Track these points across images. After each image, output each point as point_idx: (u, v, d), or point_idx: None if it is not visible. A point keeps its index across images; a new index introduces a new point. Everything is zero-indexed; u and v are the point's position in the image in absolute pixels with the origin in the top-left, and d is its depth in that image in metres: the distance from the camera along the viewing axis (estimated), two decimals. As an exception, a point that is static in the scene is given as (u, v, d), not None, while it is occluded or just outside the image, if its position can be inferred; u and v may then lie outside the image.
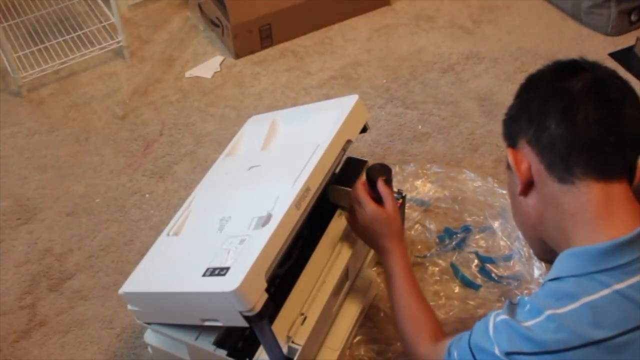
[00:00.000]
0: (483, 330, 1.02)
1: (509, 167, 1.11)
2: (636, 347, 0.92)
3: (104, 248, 2.17)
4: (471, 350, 1.04)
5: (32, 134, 2.59)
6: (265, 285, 1.42)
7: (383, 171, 1.86)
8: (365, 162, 1.91)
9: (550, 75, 1.08)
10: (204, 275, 1.45)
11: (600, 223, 1.00)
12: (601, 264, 0.95)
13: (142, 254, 1.71)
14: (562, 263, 1.01)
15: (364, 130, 1.82)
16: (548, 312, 0.95)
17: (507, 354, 0.96)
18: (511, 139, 1.10)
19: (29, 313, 2.01)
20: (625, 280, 0.94)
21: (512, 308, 1.03)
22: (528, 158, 1.06)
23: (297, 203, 1.53)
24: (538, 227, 1.09)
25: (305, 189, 1.57)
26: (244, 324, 1.43)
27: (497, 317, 1.02)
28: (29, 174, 2.43)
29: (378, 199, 1.89)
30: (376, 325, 1.91)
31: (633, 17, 2.86)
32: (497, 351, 0.98)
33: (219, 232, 1.59)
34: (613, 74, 1.06)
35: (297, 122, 1.88)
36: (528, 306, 0.99)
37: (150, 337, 1.79)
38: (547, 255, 1.12)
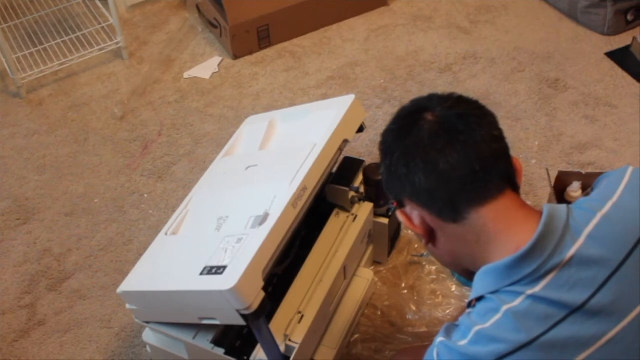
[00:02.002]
0: (430, 357, 1.07)
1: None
2: (562, 341, 0.97)
3: (103, 248, 2.18)
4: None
5: (32, 134, 2.60)
6: (262, 283, 1.43)
7: (380, 171, 1.88)
8: (363, 161, 1.92)
9: (397, 132, 1.12)
10: (201, 274, 1.46)
11: (502, 238, 1.04)
12: (511, 277, 1.01)
13: (140, 254, 1.72)
14: (479, 282, 1.06)
15: (361, 129, 1.84)
16: (476, 328, 1.01)
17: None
18: (397, 201, 1.14)
19: (28, 313, 2.02)
20: (537, 284, 0.99)
21: (450, 330, 1.08)
22: (419, 212, 1.10)
23: (294, 202, 1.55)
24: (456, 262, 1.14)
25: (302, 189, 1.58)
26: (241, 322, 1.44)
27: (437, 340, 1.07)
28: (28, 175, 2.44)
29: (375, 198, 1.91)
30: (374, 323, 1.92)
31: (629, 17, 2.87)
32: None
33: (216, 231, 1.60)
34: (452, 102, 1.10)
35: (295, 122, 1.89)
36: (461, 327, 1.04)
37: (149, 336, 1.80)
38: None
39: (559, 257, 0.99)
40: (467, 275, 1.16)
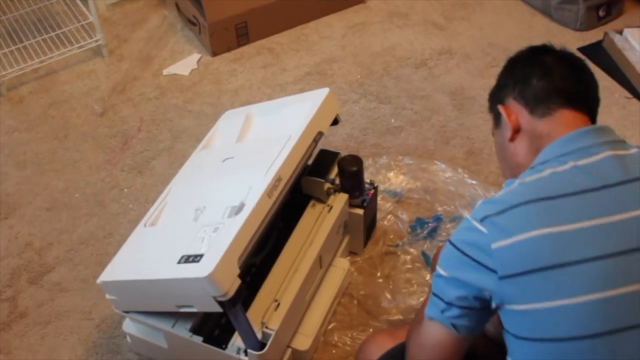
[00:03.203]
0: (461, 223, 1.20)
1: (496, 125, 1.36)
2: (577, 204, 1.11)
3: (84, 241, 2.21)
4: (454, 246, 1.17)
5: (12, 131, 2.62)
6: (238, 271, 1.47)
7: (355, 162, 1.92)
8: (338, 154, 1.96)
9: (527, 52, 1.35)
10: (179, 262, 1.50)
11: (571, 127, 1.22)
12: (565, 148, 1.18)
13: (120, 247, 1.75)
14: (538, 157, 1.22)
15: (336, 122, 1.88)
16: (518, 181, 1.17)
17: (482, 220, 1.13)
18: (500, 101, 1.33)
19: (10, 305, 2.05)
20: (582, 158, 1.15)
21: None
22: (515, 110, 1.29)
23: (269, 192, 1.58)
24: (525, 161, 1.28)
25: (277, 179, 1.62)
26: (218, 309, 1.48)
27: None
28: (8, 171, 2.46)
29: (350, 189, 1.95)
30: (350, 312, 1.96)
31: (601, 13, 2.93)
32: (474, 222, 1.14)
33: (194, 221, 1.64)
34: (573, 54, 1.33)
35: (271, 115, 1.93)
36: (504, 184, 1.20)
37: (129, 326, 1.83)
38: None
39: (612, 146, 1.17)
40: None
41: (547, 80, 1.26)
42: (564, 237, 1.08)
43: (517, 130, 1.29)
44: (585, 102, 1.26)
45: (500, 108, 1.32)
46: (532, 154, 1.25)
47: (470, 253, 1.13)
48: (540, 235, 1.08)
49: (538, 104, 1.26)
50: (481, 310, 1.16)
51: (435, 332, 1.20)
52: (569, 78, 1.26)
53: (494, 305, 1.13)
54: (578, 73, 1.28)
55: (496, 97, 1.36)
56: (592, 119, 1.27)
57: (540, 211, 1.10)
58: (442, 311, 1.17)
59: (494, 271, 1.10)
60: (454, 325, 1.17)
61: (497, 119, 1.36)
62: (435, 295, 1.19)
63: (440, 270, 1.18)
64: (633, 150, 1.18)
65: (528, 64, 1.31)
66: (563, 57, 1.31)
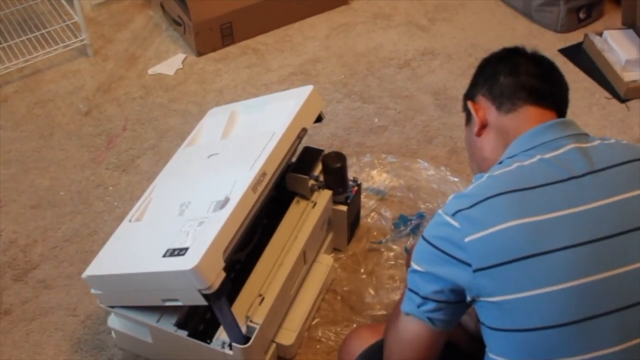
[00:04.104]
0: (432, 218, 1.21)
1: (467, 122, 1.41)
2: (546, 195, 1.13)
3: (68, 239, 2.22)
4: (427, 241, 1.18)
5: (-3, 130, 2.63)
6: (223, 264, 1.49)
7: (338, 159, 1.94)
8: (322, 151, 1.98)
9: (499, 53, 1.40)
10: (164, 256, 1.51)
11: (537, 123, 1.25)
12: (531, 143, 1.21)
13: (105, 244, 1.76)
14: (506, 152, 1.25)
15: (319, 119, 1.90)
16: (487, 174, 1.19)
17: (453, 214, 1.14)
18: (470, 98, 1.38)
19: (-6, 302, 2.06)
20: (549, 152, 1.18)
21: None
22: (483, 106, 1.34)
23: (253, 187, 1.60)
24: (491, 156, 1.32)
25: (262, 174, 1.64)
26: (202, 302, 1.49)
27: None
28: (-7, 169, 2.47)
29: (334, 186, 1.97)
30: (333, 308, 1.98)
31: (581, 15, 2.97)
32: (446, 217, 1.15)
33: (179, 216, 1.65)
34: (544, 55, 1.37)
35: (255, 112, 1.94)
36: (474, 179, 1.22)
37: (114, 321, 1.84)
38: None
39: (576, 139, 1.20)
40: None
41: (514, 78, 1.30)
42: (536, 227, 1.09)
43: (484, 126, 1.33)
44: (551, 100, 1.29)
45: (469, 104, 1.37)
46: (498, 149, 1.29)
47: (444, 248, 1.14)
48: (512, 226, 1.10)
49: (504, 100, 1.30)
50: (457, 303, 1.17)
51: (412, 327, 1.22)
52: (536, 76, 1.30)
53: (469, 298, 1.15)
54: (546, 72, 1.32)
55: (467, 95, 1.41)
56: (560, 117, 1.29)
57: (511, 203, 1.12)
58: (418, 306, 1.19)
59: (468, 264, 1.12)
60: (430, 319, 1.19)
61: (468, 115, 1.40)
62: (411, 290, 1.21)
63: (415, 265, 1.20)
64: (596, 142, 1.20)
65: (498, 63, 1.36)
66: (532, 57, 1.36)
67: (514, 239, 1.09)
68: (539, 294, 1.08)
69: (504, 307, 1.11)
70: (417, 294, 1.19)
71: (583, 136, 1.22)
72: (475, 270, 1.11)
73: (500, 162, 1.23)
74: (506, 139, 1.27)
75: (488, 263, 1.10)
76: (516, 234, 1.09)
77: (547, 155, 1.17)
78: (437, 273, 1.16)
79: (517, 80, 1.30)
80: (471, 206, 1.13)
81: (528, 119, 1.26)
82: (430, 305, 1.18)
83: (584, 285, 1.08)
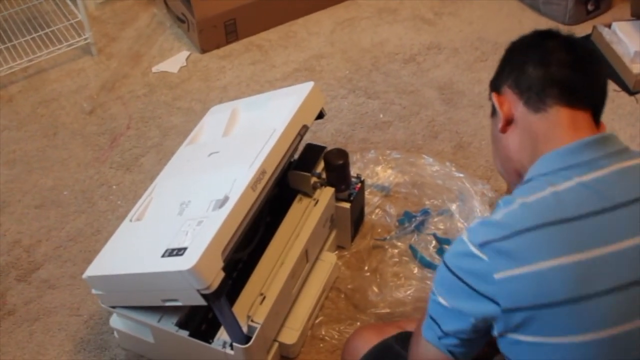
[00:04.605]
0: (455, 243, 1.11)
1: (493, 114, 1.29)
2: (591, 228, 1.03)
3: (72, 239, 2.21)
4: (450, 270, 1.09)
5: (1, 130, 2.62)
6: (222, 263, 1.47)
7: (340, 156, 1.92)
8: (324, 148, 1.97)
9: (529, 37, 1.26)
10: (163, 256, 1.50)
11: (570, 133, 1.13)
12: (567, 161, 1.09)
13: (108, 243, 1.76)
14: (535, 167, 1.14)
15: (321, 116, 1.88)
16: (519, 200, 1.06)
17: (481, 245, 1.05)
18: (496, 89, 1.26)
19: (-2, 303, 2.06)
20: (588, 173, 1.07)
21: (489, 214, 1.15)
22: (509, 100, 1.22)
23: (253, 185, 1.59)
24: (515, 156, 1.22)
25: (262, 172, 1.62)
26: (202, 302, 1.48)
27: (471, 224, 1.12)
28: (-3, 169, 2.47)
29: (337, 183, 1.95)
30: (337, 306, 1.96)
31: (589, 7, 2.93)
32: (472, 247, 1.05)
33: (179, 215, 1.64)
34: (579, 40, 1.23)
35: (256, 109, 1.93)
36: (501, 202, 1.10)
37: (116, 321, 1.84)
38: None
39: (617, 158, 1.09)
40: (513, 182, 1.25)
41: (543, 68, 1.17)
42: (578, 268, 1.00)
43: (509, 121, 1.22)
44: (584, 97, 1.16)
45: (494, 96, 1.25)
46: (524, 150, 1.19)
47: (468, 280, 1.06)
48: (551, 267, 1.00)
49: (532, 95, 1.18)
50: (479, 337, 1.11)
51: (432, 354, 1.16)
52: (569, 66, 1.16)
53: (495, 333, 1.07)
54: (580, 61, 1.17)
55: (493, 84, 1.29)
56: (595, 116, 1.18)
57: (551, 238, 1.02)
58: (439, 338, 1.13)
59: (495, 302, 1.03)
60: (450, 352, 1.13)
61: (493, 107, 1.28)
62: (432, 319, 1.14)
63: (439, 298, 1.11)
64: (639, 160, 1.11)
65: (527, 49, 1.23)
66: (566, 42, 1.20)
67: (552, 282, 1.00)
68: (577, 342, 1.01)
69: (534, 347, 1.04)
70: (438, 325, 1.13)
71: (625, 153, 1.11)
72: (505, 310, 1.03)
73: (530, 180, 1.12)
74: (534, 144, 1.16)
75: (522, 304, 1.02)
76: (555, 276, 1.00)
77: (586, 178, 1.06)
78: (462, 309, 1.08)
79: (547, 71, 1.16)
80: (503, 238, 1.03)
81: (559, 124, 1.14)
82: (452, 341, 1.12)
83: (623, 333, 1.01)
